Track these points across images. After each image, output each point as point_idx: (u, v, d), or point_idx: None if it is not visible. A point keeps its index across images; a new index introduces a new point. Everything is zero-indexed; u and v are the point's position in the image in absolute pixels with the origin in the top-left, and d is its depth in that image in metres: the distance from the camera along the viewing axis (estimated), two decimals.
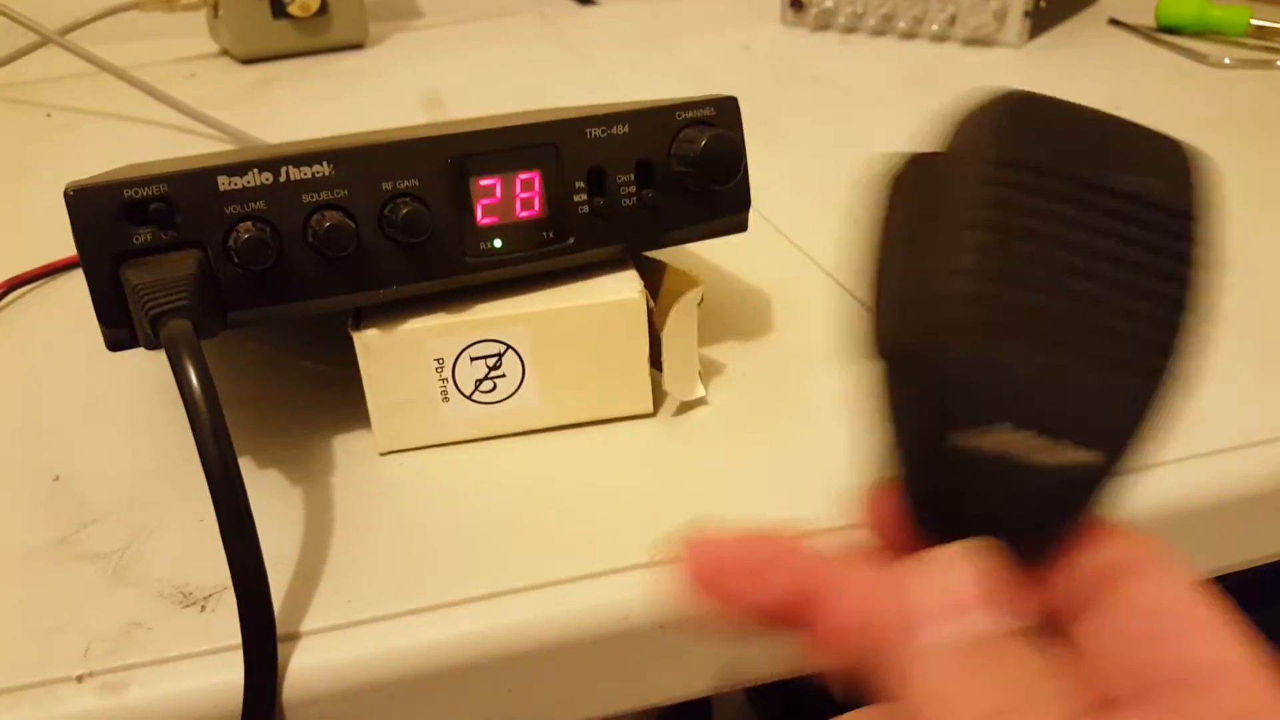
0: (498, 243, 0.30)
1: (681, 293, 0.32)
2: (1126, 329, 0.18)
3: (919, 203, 0.20)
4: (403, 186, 0.28)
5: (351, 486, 0.29)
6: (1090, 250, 0.18)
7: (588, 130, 0.30)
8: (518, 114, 0.39)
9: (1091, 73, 0.72)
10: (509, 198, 0.30)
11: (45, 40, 0.69)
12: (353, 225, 0.27)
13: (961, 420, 0.17)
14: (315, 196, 0.27)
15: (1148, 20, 0.86)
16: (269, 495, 0.29)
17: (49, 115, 0.69)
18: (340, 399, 0.33)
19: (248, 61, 0.80)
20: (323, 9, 0.79)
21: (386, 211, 0.28)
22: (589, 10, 0.99)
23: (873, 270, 0.20)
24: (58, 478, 0.30)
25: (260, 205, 0.26)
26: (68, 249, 0.45)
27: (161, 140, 0.63)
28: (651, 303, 0.31)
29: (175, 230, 0.26)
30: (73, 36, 0.70)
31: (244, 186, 0.26)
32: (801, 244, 0.44)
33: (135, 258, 0.26)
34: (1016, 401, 0.17)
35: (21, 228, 0.50)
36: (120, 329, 0.26)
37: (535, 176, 0.30)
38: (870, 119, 0.63)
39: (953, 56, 0.78)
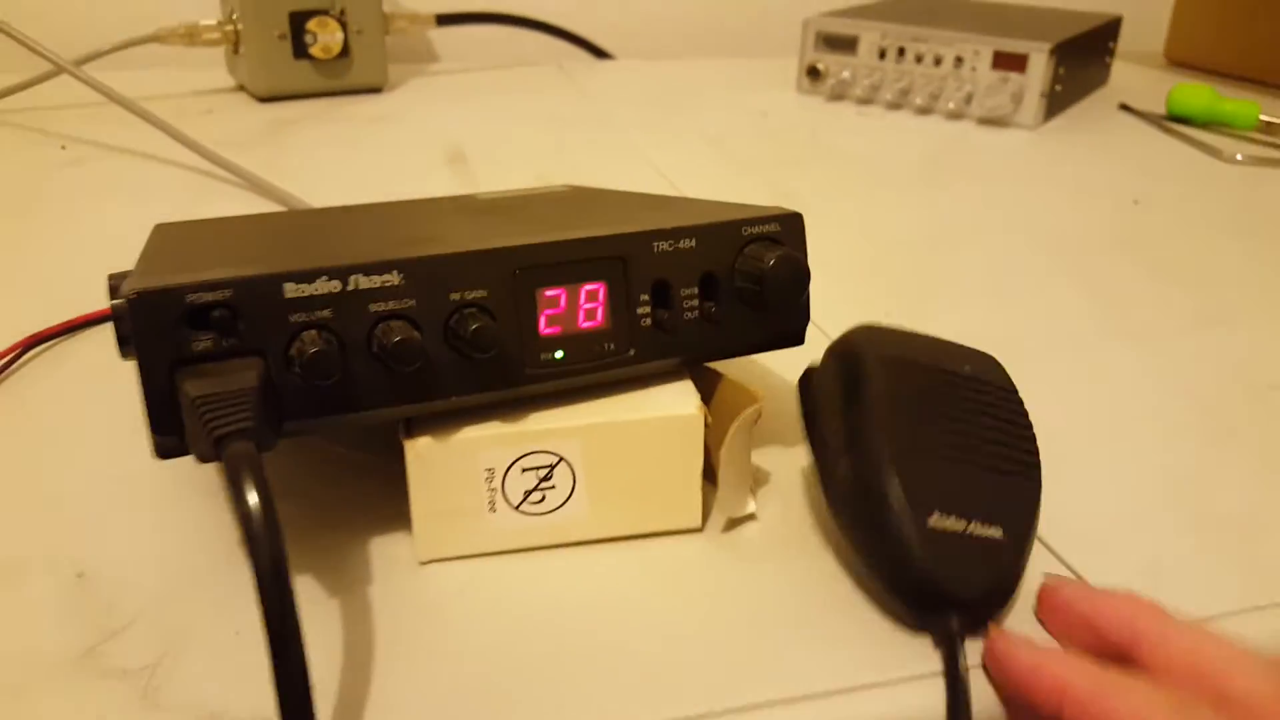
0: (559, 354, 0.29)
1: (738, 407, 0.31)
2: (1002, 450, 0.30)
3: (839, 387, 0.31)
4: (470, 297, 0.27)
5: (393, 601, 0.28)
6: (957, 405, 0.30)
7: (655, 244, 0.29)
8: (556, 196, 0.38)
9: (1107, 161, 0.73)
10: (573, 308, 0.29)
11: (60, 69, 0.68)
12: (419, 338, 0.26)
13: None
14: (383, 306, 0.26)
15: (1156, 107, 0.87)
16: (306, 608, 0.27)
17: (63, 147, 0.67)
18: (376, 491, 0.32)
19: (265, 99, 0.79)
20: (344, 52, 0.78)
21: (452, 322, 0.27)
22: (606, 64, 0.99)
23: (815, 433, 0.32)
24: (82, 574, 0.29)
25: (326, 314, 0.25)
26: (85, 300, 0.44)
27: (178, 181, 0.62)
28: (708, 418, 0.30)
29: (237, 338, 0.25)
30: (90, 65, 0.69)
31: (311, 295, 0.25)
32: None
33: (193, 363, 0.25)
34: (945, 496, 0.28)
35: (38, 275, 0.49)
36: (172, 437, 0.25)
37: (601, 288, 0.29)
38: (891, 198, 0.63)
39: (969, 135, 0.78)
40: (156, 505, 0.32)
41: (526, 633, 0.27)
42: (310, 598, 0.28)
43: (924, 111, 0.84)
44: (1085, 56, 0.88)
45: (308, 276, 0.25)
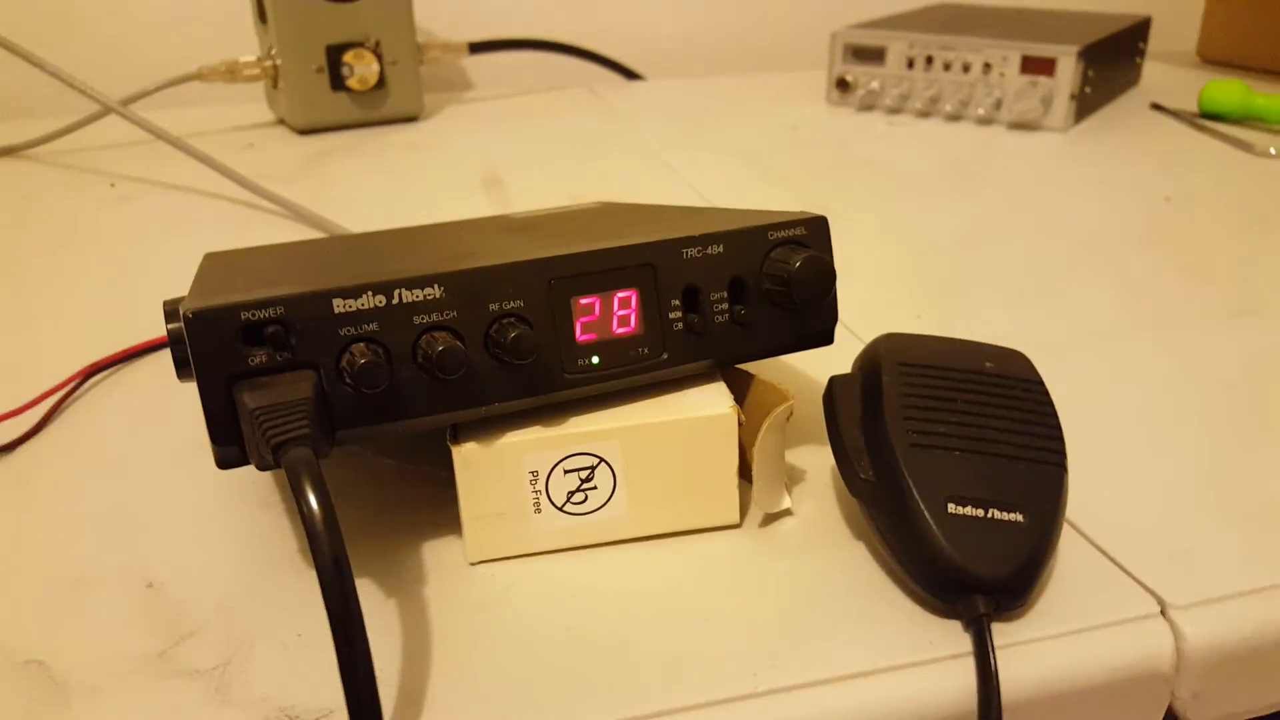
0: (595, 359, 0.30)
1: (771, 406, 0.32)
2: (1022, 440, 0.30)
3: (859, 395, 0.33)
4: (508, 307, 0.28)
5: (445, 600, 0.30)
6: (974, 400, 0.31)
7: (684, 250, 0.31)
8: (589, 212, 0.39)
9: (1139, 160, 0.73)
10: (607, 315, 0.30)
11: (108, 110, 0.70)
12: (463, 348, 0.27)
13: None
14: (426, 318, 0.27)
15: (1188, 106, 0.87)
16: (365, 609, 0.29)
17: (113, 185, 0.70)
18: (424, 498, 0.34)
19: (305, 132, 0.82)
20: (380, 83, 0.81)
21: (492, 331, 0.28)
22: (636, 85, 1.01)
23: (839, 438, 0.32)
24: (150, 584, 0.31)
25: (373, 327, 0.27)
26: (140, 328, 0.46)
27: (224, 213, 0.65)
28: (742, 417, 0.31)
29: (290, 352, 0.26)
30: (135, 105, 0.72)
31: (358, 309, 0.27)
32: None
33: (249, 377, 0.26)
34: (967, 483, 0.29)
35: (94, 305, 0.51)
36: (231, 448, 0.26)
37: (633, 295, 0.30)
38: (922, 204, 0.64)
39: (999, 140, 0.78)
40: (216, 519, 0.34)
41: (572, 626, 0.28)
42: (367, 598, 0.29)
43: (954, 118, 0.85)
44: (1115, 58, 0.88)
45: (354, 292, 0.27)
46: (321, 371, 0.27)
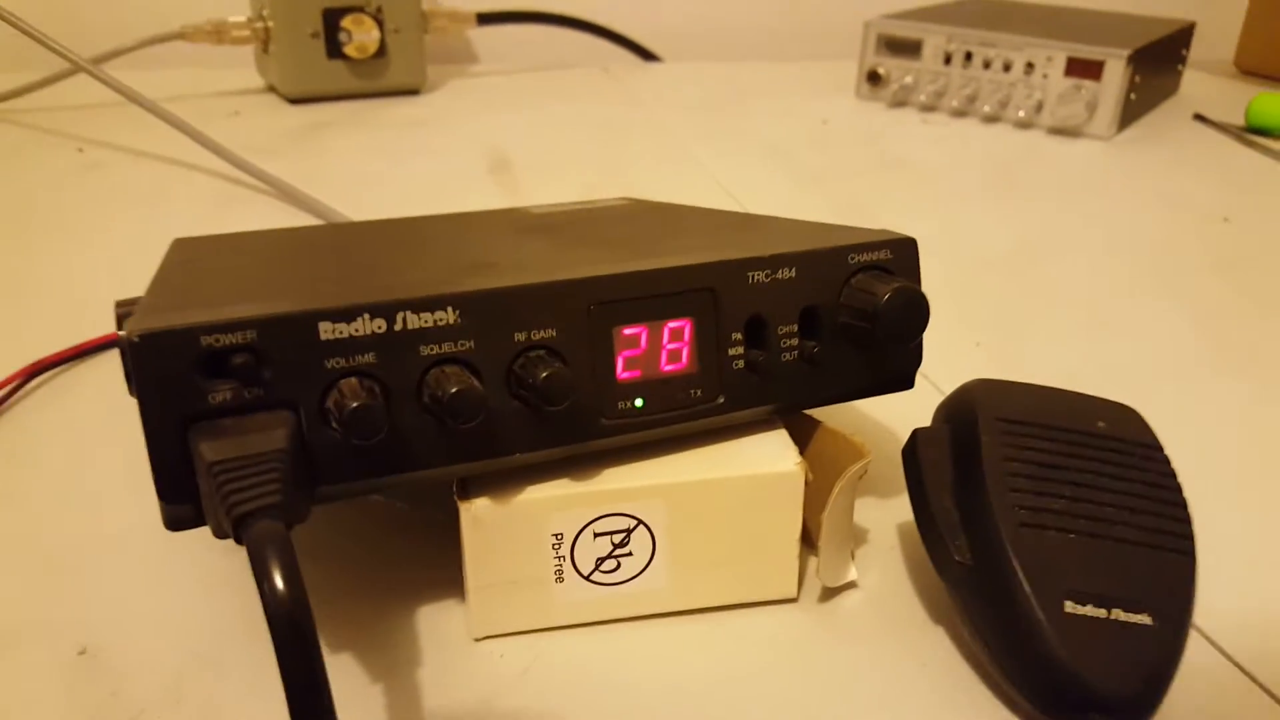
0: (639, 402, 0.25)
1: (841, 462, 0.27)
2: (1145, 520, 0.25)
3: (950, 456, 0.27)
4: (538, 337, 0.23)
5: (444, 687, 0.24)
6: (1090, 469, 0.26)
7: (750, 274, 0.25)
8: (618, 212, 0.34)
9: (1188, 175, 0.68)
10: (655, 349, 0.25)
11: (77, 68, 0.64)
12: (480, 388, 0.21)
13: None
14: (435, 349, 0.22)
15: (1230, 117, 0.82)
16: (347, 696, 0.23)
17: (81, 150, 0.64)
18: (420, 550, 0.28)
19: (296, 101, 0.76)
20: (380, 51, 0.75)
21: (516, 367, 0.23)
22: (653, 67, 0.95)
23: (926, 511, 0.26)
24: (84, 650, 0.25)
25: (369, 358, 0.21)
26: (98, 321, 0.40)
27: (202, 188, 0.59)
28: (809, 474, 0.26)
29: (262, 387, 0.21)
30: (112, 63, 0.66)
31: (351, 336, 0.21)
32: (931, 374, 0.39)
33: (209, 418, 0.20)
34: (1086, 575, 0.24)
35: (48, 292, 0.45)
36: (183, 506, 0.21)
37: (687, 325, 0.25)
38: (965, 213, 0.59)
39: (1040, 146, 0.73)
40: (169, 564, 0.28)
41: None
42: (351, 684, 0.24)
43: (991, 120, 0.80)
44: (1159, 64, 0.83)
45: (346, 314, 0.21)
46: (301, 412, 0.21)
